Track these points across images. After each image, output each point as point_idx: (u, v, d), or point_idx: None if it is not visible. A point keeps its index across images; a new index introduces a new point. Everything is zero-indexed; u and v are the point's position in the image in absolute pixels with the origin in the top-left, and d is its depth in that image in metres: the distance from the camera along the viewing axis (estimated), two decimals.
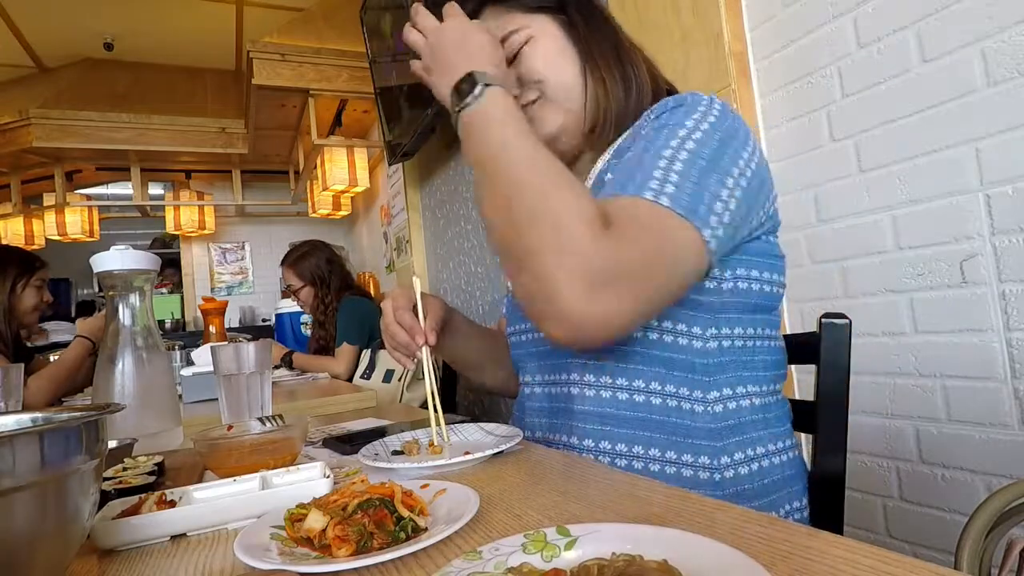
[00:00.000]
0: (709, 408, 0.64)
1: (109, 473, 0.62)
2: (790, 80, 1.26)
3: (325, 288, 2.58)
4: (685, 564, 0.29)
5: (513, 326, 0.85)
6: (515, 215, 0.55)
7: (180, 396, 1.33)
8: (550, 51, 0.74)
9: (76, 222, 4.27)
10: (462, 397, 2.75)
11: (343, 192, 3.77)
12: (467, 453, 0.59)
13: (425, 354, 0.74)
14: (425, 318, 0.75)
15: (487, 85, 0.61)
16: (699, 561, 0.29)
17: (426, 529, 0.41)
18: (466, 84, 0.62)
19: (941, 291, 1.03)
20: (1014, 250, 0.93)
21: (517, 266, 0.55)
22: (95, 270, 0.86)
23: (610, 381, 0.66)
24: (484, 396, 2.65)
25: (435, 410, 0.68)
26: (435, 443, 0.66)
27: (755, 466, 0.65)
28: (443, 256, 3.01)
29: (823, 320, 0.74)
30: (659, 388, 0.64)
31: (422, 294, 0.76)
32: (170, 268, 5.46)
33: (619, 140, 0.75)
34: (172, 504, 0.50)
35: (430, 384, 0.71)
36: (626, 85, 0.74)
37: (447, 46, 0.66)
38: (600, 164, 0.76)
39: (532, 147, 0.58)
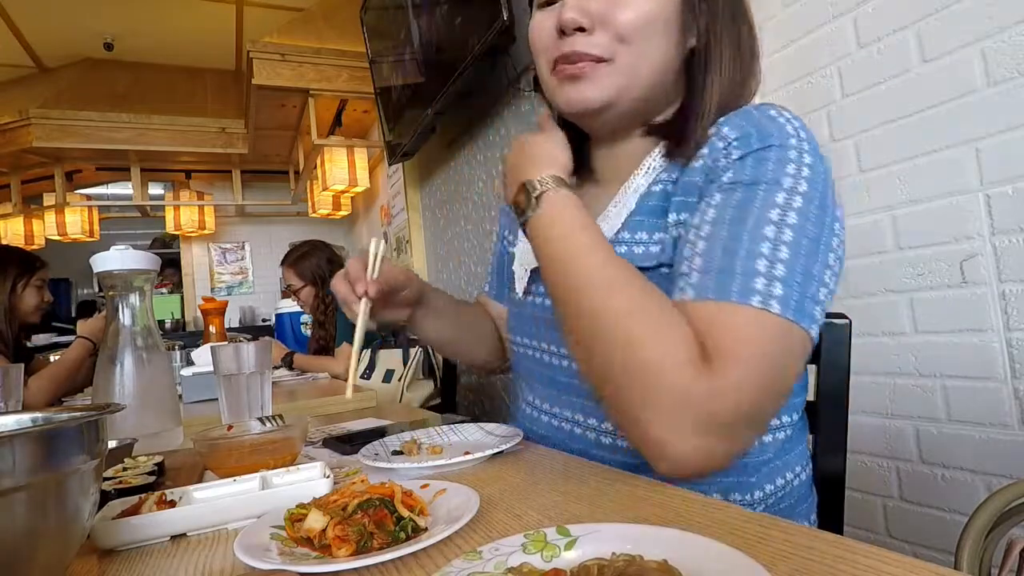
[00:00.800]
0: None
1: (109, 473, 0.62)
2: (790, 80, 1.26)
3: (326, 288, 2.58)
4: (685, 564, 0.29)
5: (521, 337, 0.76)
6: (602, 359, 0.50)
7: (180, 396, 1.33)
8: (654, 11, 0.59)
9: (76, 222, 4.27)
10: (462, 397, 2.75)
11: (343, 192, 3.77)
12: (467, 453, 0.59)
13: (363, 307, 0.68)
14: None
15: (542, 193, 0.57)
16: (699, 561, 0.29)
17: (426, 529, 0.41)
18: (522, 195, 0.58)
19: (941, 291, 1.03)
20: (1014, 250, 0.93)
21: (611, 405, 0.50)
22: (95, 270, 0.86)
23: None
24: (484, 396, 2.65)
25: (355, 368, 0.67)
26: (347, 392, 0.66)
27: (781, 493, 0.63)
28: (443, 256, 3.01)
29: (823, 320, 0.74)
30: None
31: (393, 266, 0.73)
32: (170, 268, 5.46)
33: (687, 160, 0.60)
34: (172, 504, 0.50)
35: (359, 340, 0.66)
36: (735, 97, 0.61)
37: (519, 160, 0.62)
38: (647, 176, 0.64)
39: (607, 266, 0.52)
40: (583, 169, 0.75)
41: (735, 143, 0.55)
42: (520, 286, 0.76)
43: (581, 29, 0.59)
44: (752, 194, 0.52)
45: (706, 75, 0.61)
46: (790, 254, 0.49)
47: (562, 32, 0.60)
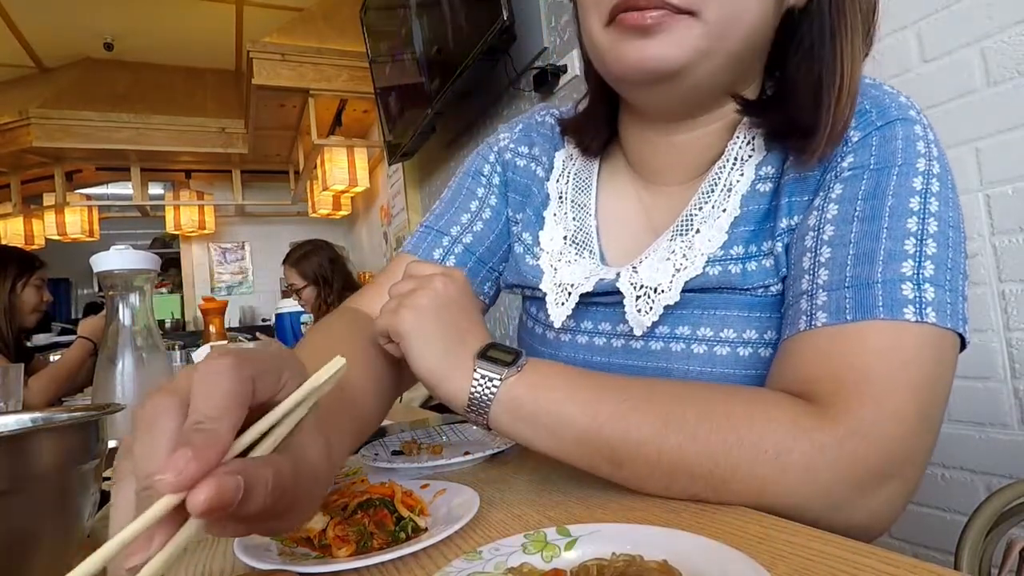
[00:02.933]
0: None
1: (109, 473, 0.62)
2: None
3: (327, 288, 2.58)
4: (685, 564, 0.29)
5: (578, 322, 0.58)
6: (693, 488, 0.41)
7: None
8: None
9: (76, 222, 4.28)
10: None
11: (343, 192, 3.78)
12: (467, 453, 0.59)
13: (160, 506, 0.23)
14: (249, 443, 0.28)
15: (500, 387, 0.43)
16: (699, 561, 0.29)
17: (426, 529, 0.41)
18: (473, 409, 0.44)
19: None
20: (1014, 250, 0.93)
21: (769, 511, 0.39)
22: (95, 270, 0.86)
23: None
24: None
25: None
26: None
27: None
28: None
29: None
30: None
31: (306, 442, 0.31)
32: (170, 268, 5.47)
33: (775, 143, 0.51)
34: None
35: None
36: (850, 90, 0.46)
37: (421, 346, 0.45)
38: (744, 170, 0.51)
39: (635, 412, 0.41)
40: (609, 159, 0.62)
41: (855, 124, 0.47)
42: (560, 315, 0.56)
43: None
44: (883, 180, 0.44)
45: (833, 42, 0.46)
46: (938, 248, 0.42)
47: None
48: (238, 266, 5.45)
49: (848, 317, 0.41)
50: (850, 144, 0.46)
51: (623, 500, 0.43)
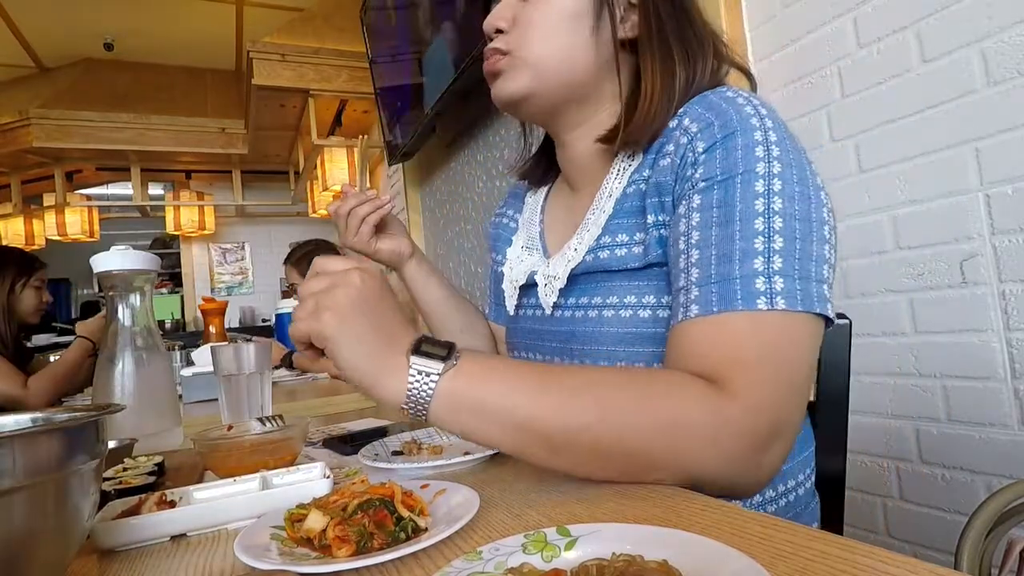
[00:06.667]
0: None
1: (109, 473, 0.62)
2: (790, 80, 1.26)
3: None
4: (685, 564, 0.29)
5: (518, 352, 0.76)
6: (625, 468, 0.46)
7: (180, 396, 1.32)
8: (560, 4, 0.62)
9: (76, 222, 4.28)
10: None
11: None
12: (467, 453, 0.59)
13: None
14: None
15: (435, 388, 0.44)
16: (699, 561, 0.29)
17: (426, 529, 0.41)
18: (409, 404, 0.45)
19: (941, 291, 1.03)
20: (1014, 250, 0.93)
21: (671, 482, 0.46)
22: (95, 270, 0.86)
23: None
24: None
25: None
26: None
27: (783, 502, 0.62)
28: (443, 256, 3.01)
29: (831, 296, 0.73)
30: None
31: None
32: (170, 268, 5.47)
33: (647, 155, 0.61)
34: (172, 504, 0.50)
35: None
36: (681, 92, 0.60)
37: (346, 348, 0.45)
38: (622, 179, 0.63)
39: (573, 394, 0.45)
40: (559, 180, 0.79)
41: (698, 135, 0.54)
42: (511, 304, 0.76)
43: (500, 31, 0.65)
44: (730, 189, 0.51)
45: (641, 61, 0.62)
46: (785, 242, 0.48)
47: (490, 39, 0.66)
48: (238, 266, 5.45)
49: (715, 309, 0.48)
50: (696, 155, 0.54)
51: (623, 500, 0.43)
